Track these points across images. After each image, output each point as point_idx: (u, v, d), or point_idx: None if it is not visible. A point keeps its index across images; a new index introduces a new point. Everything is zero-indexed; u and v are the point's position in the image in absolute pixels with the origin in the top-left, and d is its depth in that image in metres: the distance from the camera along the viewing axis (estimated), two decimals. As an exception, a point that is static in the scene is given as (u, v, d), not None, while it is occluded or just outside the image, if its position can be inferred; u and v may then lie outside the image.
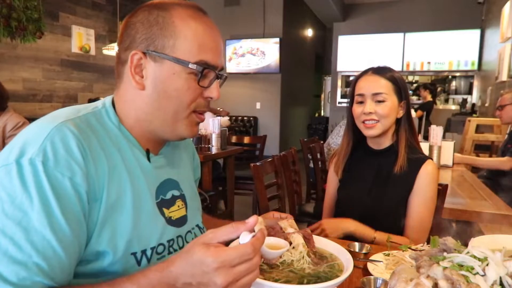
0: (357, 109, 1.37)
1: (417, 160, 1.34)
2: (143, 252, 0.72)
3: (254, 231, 0.61)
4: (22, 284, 0.55)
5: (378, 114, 1.32)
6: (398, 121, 1.39)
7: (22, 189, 0.58)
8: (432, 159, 1.36)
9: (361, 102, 1.36)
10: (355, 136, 1.45)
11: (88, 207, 0.64)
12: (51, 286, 0.59)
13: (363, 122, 1.34)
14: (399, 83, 1.36)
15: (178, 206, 0.83)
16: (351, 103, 1.41)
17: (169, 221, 0.79)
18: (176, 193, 0.84)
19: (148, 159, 0.78)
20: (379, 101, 1.32)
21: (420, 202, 1.31)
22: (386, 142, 1.40)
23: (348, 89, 8.89)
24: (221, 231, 0.60)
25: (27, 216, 0.57)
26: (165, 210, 0.79)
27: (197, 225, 0.90)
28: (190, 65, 0.71)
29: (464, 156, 3.02)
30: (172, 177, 0.84)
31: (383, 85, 1.33)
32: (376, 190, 1.36)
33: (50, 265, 0.58)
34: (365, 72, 1.39)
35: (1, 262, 0.55)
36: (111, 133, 0.73)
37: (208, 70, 0.74)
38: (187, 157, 0.95)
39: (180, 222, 0.82)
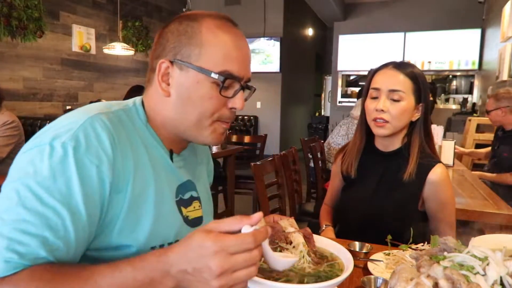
0: (369, 105, 1.27)
1: (424, 166, 1.25)
2: (161, 246, 0.75)
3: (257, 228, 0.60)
4: (27, 257, 0.56)
5: (391, 113, 1.22)
6: (412, 124, 1.28)
7: (49, 169, 0.60)
8: (441, 162, 1.27)
9: (375, 98, 1.26)
10: (367, 133, 1.36)
11: (108, 198, 0.66)
12: (51, 262, 0.59)
13: (374, 120, 1.25)
14: (420, 82, 1.24)
15: (194, 207, 0.86)
16: (365, 96, 1.30)
17: (186, 220, 0.82)
18: (194, 194, 0.86)
19: (171, 159, 0.81)
20: (394, 100, 1.22)
21: (443, 209, 1.27)
22: (395, 144, 1.31)
23: (349, 88, 8.82)
24: (224, 222, 0.59)
25: (49, 192, 0.59)
26: (183, 209, 0.82)
27: None
28: (213, 75, 0.72)
29: (479, 173, 2.71)
30: (191, 179, 0.86)
31: (402, 82, 1.22)
32: (379, 195, 1.30)
33: (60, 244, 0.59)
34: (385, 66, 1.28)
35: (15, 231, 0.56)
36: (140, 130, 0.76)
37: (232, 81, 0.75)
38: (203, 161, 0.98)
39: (195, 222, 0.85)
